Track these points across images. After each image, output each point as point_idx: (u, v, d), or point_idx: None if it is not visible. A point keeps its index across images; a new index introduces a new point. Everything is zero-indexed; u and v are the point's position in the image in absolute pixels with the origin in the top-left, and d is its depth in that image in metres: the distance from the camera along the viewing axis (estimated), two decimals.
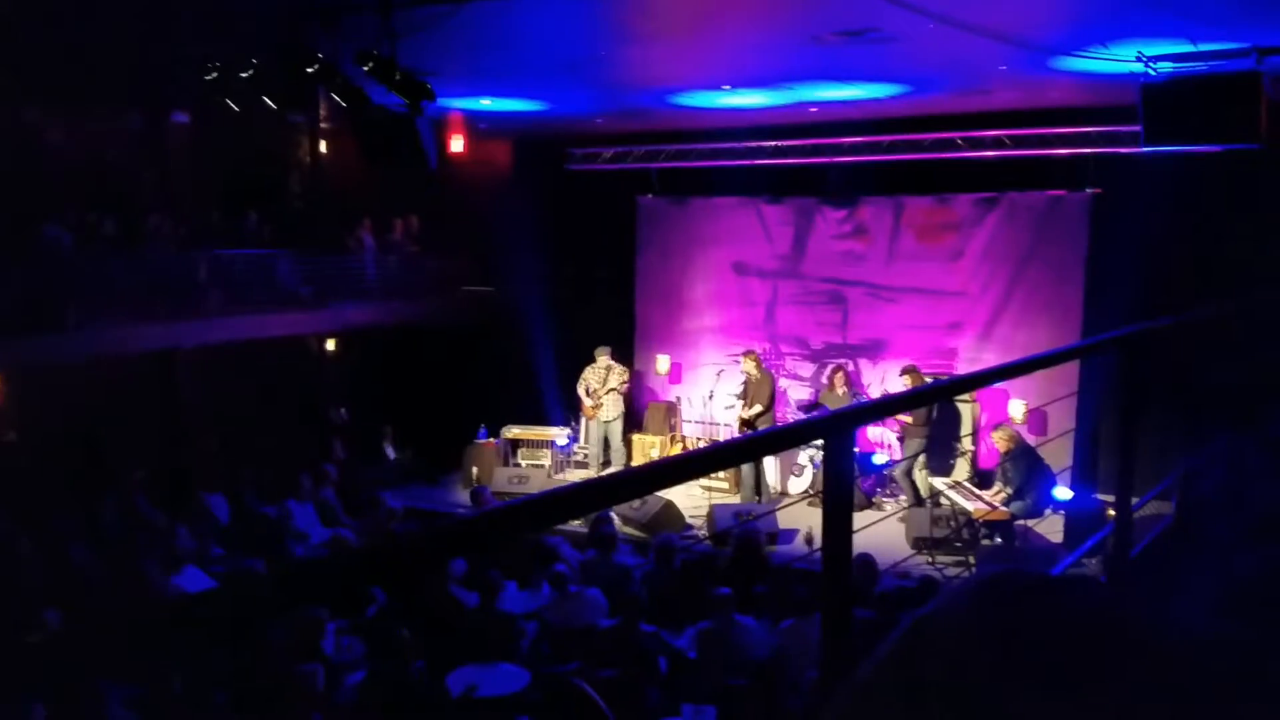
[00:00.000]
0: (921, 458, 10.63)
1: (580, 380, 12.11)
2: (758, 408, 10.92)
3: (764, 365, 11.55)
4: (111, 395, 10.33)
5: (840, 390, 10.92)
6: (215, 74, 8.73)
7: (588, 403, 12.02)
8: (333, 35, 7.71)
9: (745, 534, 8.24)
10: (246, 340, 11.36)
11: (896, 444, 11.22)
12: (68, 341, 9.64)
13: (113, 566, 7.68)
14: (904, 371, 10.71)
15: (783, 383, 12.89)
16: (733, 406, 11.40)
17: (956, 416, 11.00)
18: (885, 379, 11.81)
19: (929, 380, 10.82)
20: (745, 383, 11.24)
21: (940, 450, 10.74)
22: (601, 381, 11.96)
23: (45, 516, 8.52)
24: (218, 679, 5.47)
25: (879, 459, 11.32)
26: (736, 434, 11.53)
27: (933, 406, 10.36)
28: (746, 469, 10.89)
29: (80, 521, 8.60)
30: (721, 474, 11.05)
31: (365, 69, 7.86)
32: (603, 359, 12.06)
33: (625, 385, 12.05)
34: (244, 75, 8.65)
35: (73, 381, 10.03)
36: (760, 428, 10.83)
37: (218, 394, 11.55)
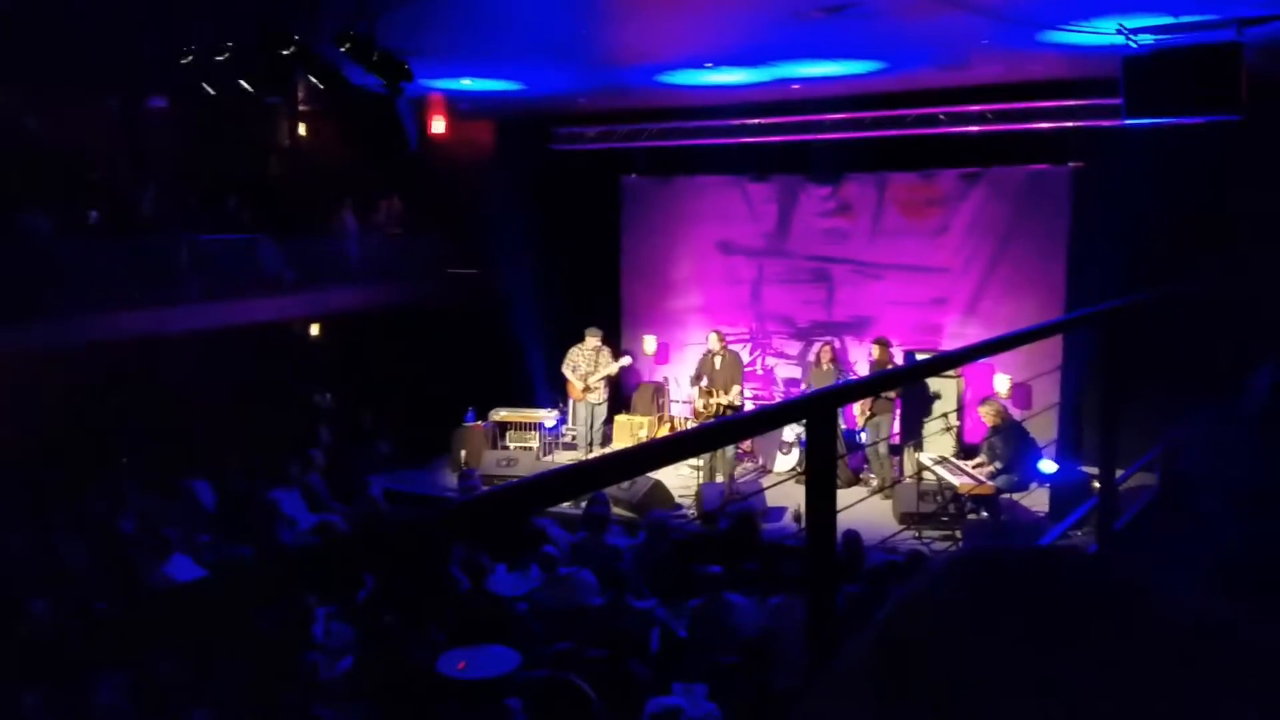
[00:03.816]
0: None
1: (566, 360, 11.80)
2: (736, 388, 10.84)
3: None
4: (94, 383, 10.26)
5: (827, 368, 10.93)
6: (191, 58, 8.62)
7: (576, 384, 11.73)
8: (310, 16, 7.62)
9: (743, 512, 8.28)
10: (229, 326, 11.28)
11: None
12: (49, 329, 9.55)
13: (101, 555, 7.64)
14: (874, 342, 10.78)
15: (769, 361, 12.91)
16: (708, 393, 10.89)
17: (925, 392, 10.84)
18: (871, 356, 11.81)
19: (896, 352, 10.89)
20: (712, 365, 10.92)
21: (921, 425, 10.71)
22: (592, 365, 11.67)
23: (31, 505, 8.47)
24: (214, 667, 5.47)
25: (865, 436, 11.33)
26: (695, 416, 11.37)
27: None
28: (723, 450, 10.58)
29: (66, 510, 8.56)
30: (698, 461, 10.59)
31: (343, 49, 7.78)
32: (592, 340, 11.76)
33: (615, 374, 11.77)
34: (220, 59, 8.55)
35: (55, 369, 9.95)
36: (736, 408, 10.79)
37: (201, 380, 11.47)
